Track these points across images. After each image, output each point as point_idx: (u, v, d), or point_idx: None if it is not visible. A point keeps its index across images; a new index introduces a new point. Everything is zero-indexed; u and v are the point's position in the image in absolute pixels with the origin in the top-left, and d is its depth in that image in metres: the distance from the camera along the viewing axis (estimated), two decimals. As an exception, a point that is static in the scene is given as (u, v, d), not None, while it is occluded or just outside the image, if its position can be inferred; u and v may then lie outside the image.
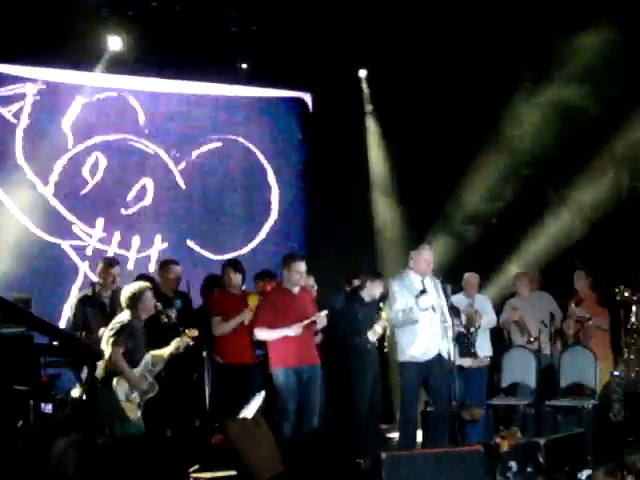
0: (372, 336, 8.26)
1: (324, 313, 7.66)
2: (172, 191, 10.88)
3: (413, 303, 7.61)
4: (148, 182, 10.69)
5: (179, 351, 7.06)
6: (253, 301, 8.08)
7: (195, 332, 7.23)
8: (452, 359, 7.55)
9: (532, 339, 8.94)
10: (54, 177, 10.05)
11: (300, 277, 7.65)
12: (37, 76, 10.04)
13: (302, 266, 7.65)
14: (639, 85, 9.69)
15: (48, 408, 7.46)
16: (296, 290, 7.68)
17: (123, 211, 10.48)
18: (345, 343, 8.26)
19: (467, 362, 8.50)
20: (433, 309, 7.60)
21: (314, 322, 7.61)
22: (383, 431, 8.95)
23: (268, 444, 6.54)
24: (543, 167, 10.79)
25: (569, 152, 10.35)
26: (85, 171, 10.29)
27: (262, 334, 7.72)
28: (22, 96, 9.98)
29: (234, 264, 8.33)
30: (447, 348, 7.58)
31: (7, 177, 9.75)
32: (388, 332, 8.48)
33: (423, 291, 7.61)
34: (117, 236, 10.37)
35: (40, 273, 9.72)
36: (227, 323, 7.99)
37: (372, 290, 8.43)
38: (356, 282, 8.89)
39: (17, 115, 9.92)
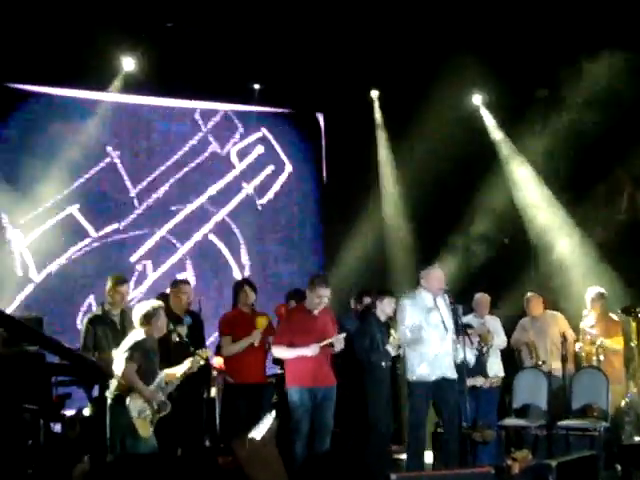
0: (392, 349, 8.26)
1: (342, 336, 7.65)
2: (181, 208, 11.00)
3: (422, 320, 7.61)
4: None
5: (192, 371, 7.06)
6: (261, 323, 8.06)
7: (208, 352, 7.24)
8: (464, 377, 7.55)
9: (540, 362, 8.91)
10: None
11: (320, 302, 7.64)
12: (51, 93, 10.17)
13: (326, 292, 7.65)
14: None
15: (57, 428, 7.49)
16: (316, 312, 7.71)
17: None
18: (364, 362, 8.24)
19: (479, 381, 8.47)
20: (445, 327, 7.60)
21: (331, 344, 7.62)
22: (393, 452, 8.90)
23: (275, 465, 6.51)
24: (556, 186, 10.80)
25: (582, 171, 10.35)
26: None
27: (280, 352, 7.75)
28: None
29: (250, 282, 8.35)
30: (456, 365, 7.59)
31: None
32: (401, 352, 8.45)
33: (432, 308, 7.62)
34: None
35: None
36: (236, 344, 8.00)
37: (384, 308, 8.42)
38: (367, 299, 8.87)
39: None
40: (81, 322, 8.35)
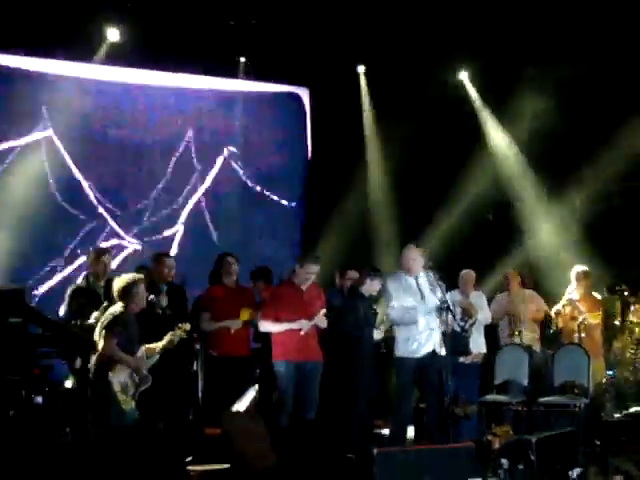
0: (378, 334, 8.29)
1: (322, 313, 7.70)
2: (165, 184, 10.93)
3: (406, 299, 7.63)
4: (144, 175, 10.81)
5: (173, 345, 7.03)
6: (244, 316, 8.05)
7: (188, 326, 7.20)
8: (446, 355, 7.58)
9: (517, 332, 8.95)
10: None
11: (309, 278, 7.76)
12: (34, 67, 10.06)
13: (315, 269, 7.77)
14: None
15: (39, 400, 7.46)
16: (304, 287, 7.75)
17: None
18: (348, 337, 8.26)
19: (460, 358, 8.51)
20: (427, 305, 7.61)
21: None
22: (377, 426, 8.94)
23: (262, 437, 6.54)
24: (538, 166, 10.82)
25: (568, 151, 10.37)
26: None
27: (267, 326, 7.77)
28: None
29: (230, 254, 8.31)
30: (440, 344, 7.61)
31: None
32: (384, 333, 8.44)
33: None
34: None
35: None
36: (214, 323, 7.99)
37: (371, 287, 8.43)
38: (350, 274, 8.87)
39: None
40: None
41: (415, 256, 7.75)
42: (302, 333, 7.54)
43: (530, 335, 9.07)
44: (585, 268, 9.12)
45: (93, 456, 5.48)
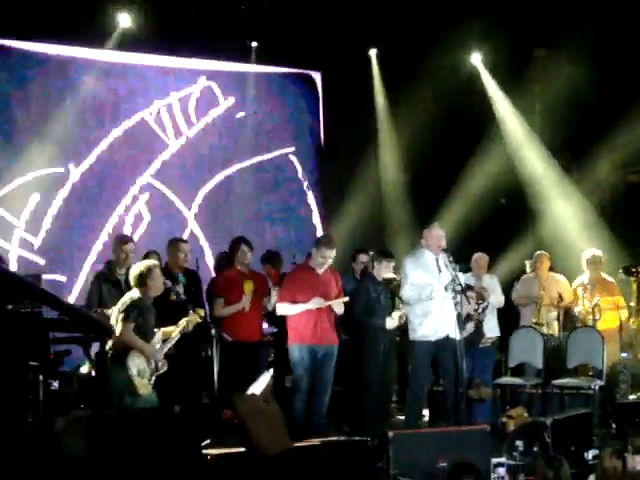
0: (390, 322, 8.26)
1: (341, 300, 7.73)
2: (177, 165, 10.99)
3: (424, 279, 7.65)
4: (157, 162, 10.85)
5: (188, 330, 7.08)
6: (249, 287, 8.08)
7: (202, 312, 7.25)
8: (460, 338, 7.59)
9: (543, 322, 8.94)
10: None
11: (324, 262, 7.76)
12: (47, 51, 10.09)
13: (331, 253, 7.77)
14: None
15: (55, 385, 7.51)
16: (320, 270, 7.77)
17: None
18: (361, 322, 8.26)
19: (468, 328, 8.42)
20: (445, 287, 7.64)
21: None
22: (396, 410, 8.95)
23: (276, 421, 6.55)
24: (554, 146, 10.78)
25: (580, 132, 10.32)
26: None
27: (283, 309, 7.80)
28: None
29: (246, 240, 8.27)
30: (455, 327, 7.61)
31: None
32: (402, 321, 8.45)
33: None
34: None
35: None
36: (226, 308, 8.01)
37: (381, 270, 8.42)
38: (360, 257, 8.88)
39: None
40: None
41: (441, 235, 7.82)
42: (314, 307, 7.56)
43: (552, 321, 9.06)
44: (597, 252, 9.08)
45: (108, 440, 5.49)
